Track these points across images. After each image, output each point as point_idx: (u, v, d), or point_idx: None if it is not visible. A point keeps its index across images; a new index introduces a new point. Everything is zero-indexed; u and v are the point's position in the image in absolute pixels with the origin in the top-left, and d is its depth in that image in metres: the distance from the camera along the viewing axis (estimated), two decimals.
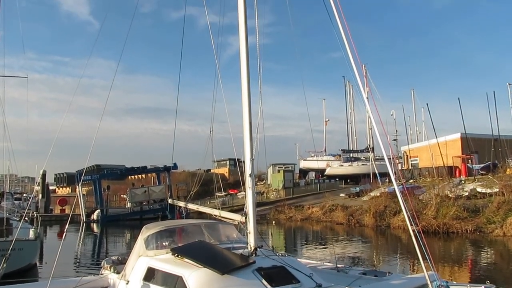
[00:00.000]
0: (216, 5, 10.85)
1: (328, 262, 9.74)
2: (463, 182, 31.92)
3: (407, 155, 51.78)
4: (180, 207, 13.25)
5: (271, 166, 55.22)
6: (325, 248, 21.47)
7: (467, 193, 27.85)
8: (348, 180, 52.65)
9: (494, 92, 43.55)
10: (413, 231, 5.87)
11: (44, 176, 38.95)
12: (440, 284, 5.31)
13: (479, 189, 28.38)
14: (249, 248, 6.62)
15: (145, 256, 6.89)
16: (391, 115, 54.80)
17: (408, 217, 6.28)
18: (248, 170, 7.13)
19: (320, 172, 55.44)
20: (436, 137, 40.91)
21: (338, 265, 7.96)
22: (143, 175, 53.20)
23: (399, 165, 49.04)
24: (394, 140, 52.73)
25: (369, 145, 52.50)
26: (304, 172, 59.88)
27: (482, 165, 38.00)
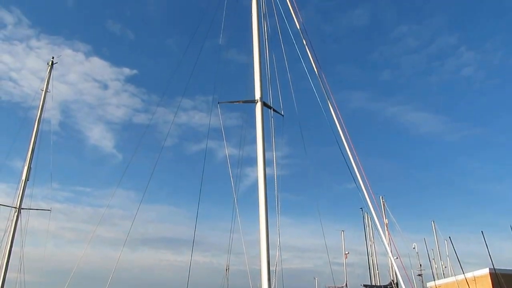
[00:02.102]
0: (235, 139, 11.61)
1: None
2: None
3: None
4: None
5: None
6: None
7: None
8: None
9: None
10: None
11: None
12: None
13: None
14: None
15: None
16: (413, 248, 52.88)
17: None
18: None
19: None
20: (463, 272, 38.74)
21: None
22: None
23: None
24: (419, 275, 50.02)
25: (392, 281, 49.71)
26: None
27: None
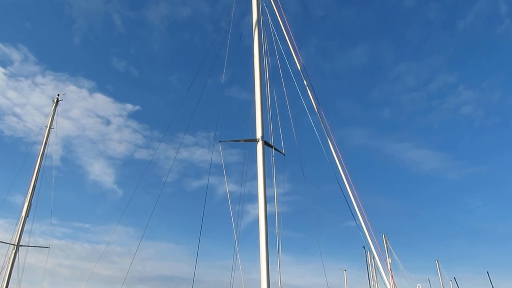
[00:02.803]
0: (236, 175, 11.69)
1: None
2: None
3: None
4: None
5: None
6: None
7: None
8: None
9: None
10: None
11: None
12: None
13: None
14: None
15: None
16: None
17: None
18: None
19: None
20: None
21: None
22: None
23: None
24: None
25: None
26: None
27: None
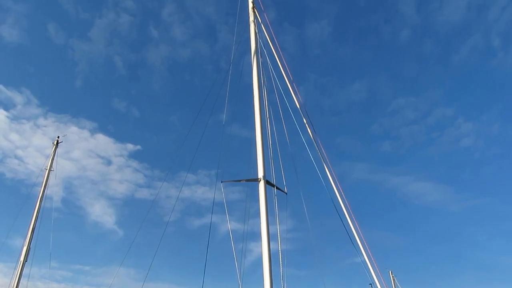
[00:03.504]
0: (238, 213, 11.68)
1: None
2: None
3: None
4: None
5: None
6: None
7: None
8: None
9: None
10: None
11: None
12: None
13: None
14: None
15: None
16: None
17: None
18: None
19: None
20: None
21: None
22: None
23: None
24: None
25: None
26: None
27: None
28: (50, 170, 24.38)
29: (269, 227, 8.92)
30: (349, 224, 9.54)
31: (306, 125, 10.97)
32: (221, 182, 10.38)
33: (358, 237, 8.98)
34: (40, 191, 23.70)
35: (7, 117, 54.58)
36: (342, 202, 10.12)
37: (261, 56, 12.16)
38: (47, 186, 23.98)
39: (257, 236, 8.63)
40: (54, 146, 25.17)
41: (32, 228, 22.60)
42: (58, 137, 25.80)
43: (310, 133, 10.85)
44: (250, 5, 13.03)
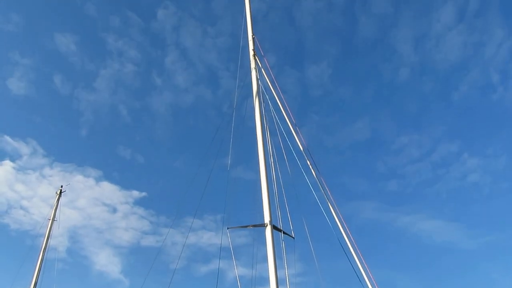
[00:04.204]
0: (245, 257, 11.48)
1: None
2: None
3: None
4: None
5: None
6: None
7: None
8: None
9: None
10: None
11: None
12: None
13: None
14: None
15: None
16: None
17: None
18: None
19: None
20: None
21: None
22: None
23: None
24: None
25: None
26: None
27: None
28: (53, 220, 24.22)
29: (277, 271, 8.77)
30: (357, 265, 9.38)
31: (310, 166, 11.00)
32: (227, 228, 10.28)
33: (368, 279, 8.81)
34: (43, 242, 23.46)
35: (13, 168, 55.06)
36: (350, 243, 10.00)
37: (263, 101, 12.37)
38: (50, 237, 23.75)
39: (265, 281, 8.50)
40: (58, 196, 25.12)
41: (35, 281, 22.20)
42: (62, 186, 25.82)
43: (315, 175, 10.86)
44: (251, 52, 13.38)
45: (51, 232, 23.87)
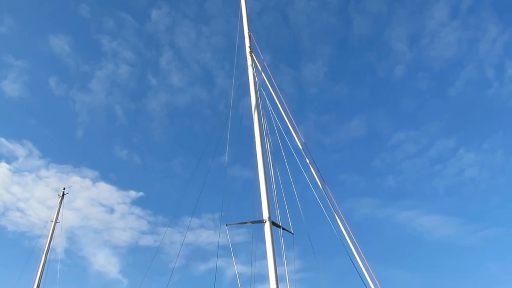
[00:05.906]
0: (243, 255, 11.48)
1: None
2: None
3: None
4: None
5: None
6: None
7: None
8: None
9: None
10: None
11: None
12: None
13: None
14: None
15: None
16: None
17: None
18: None
19: None
20: None
21: None
22: None
23: None
24: None
25: None
26: None
27: None
28: (56, 221, 24.20)
29: (277, 268, 8.78)
30: (358, 262, 9.39)
31: (309, 164, 11.02)
32: (226, 225, 10.30)
33: (368, 275, 8.83)
34: (46, 243, 23.44)
35: (9, 170, 55.17)
36: (350, 239, 10.02)
37: (260, 97, 12.40)
38: (53, 238, 23.75)
39: (264, 278, 8.50)
40: (60, 198, 25.13)
41: (37, 284, 22.18)
42: (64, 188, 25.82)
43: (314, 172, 10.88)
44: (248, 49, 13.40)
45: (53, 234, 23.88)
